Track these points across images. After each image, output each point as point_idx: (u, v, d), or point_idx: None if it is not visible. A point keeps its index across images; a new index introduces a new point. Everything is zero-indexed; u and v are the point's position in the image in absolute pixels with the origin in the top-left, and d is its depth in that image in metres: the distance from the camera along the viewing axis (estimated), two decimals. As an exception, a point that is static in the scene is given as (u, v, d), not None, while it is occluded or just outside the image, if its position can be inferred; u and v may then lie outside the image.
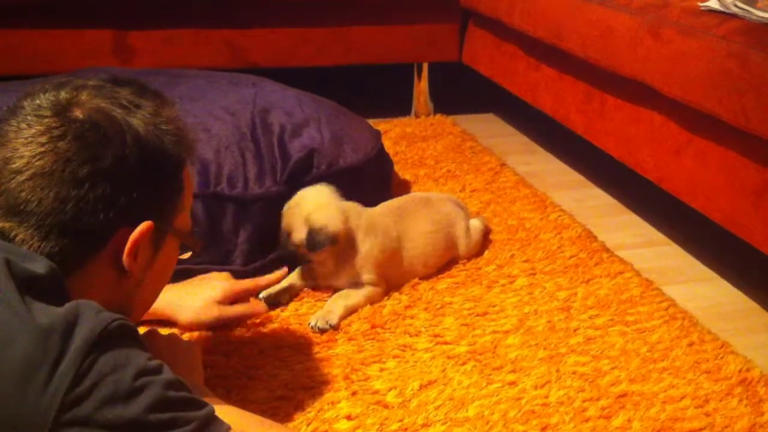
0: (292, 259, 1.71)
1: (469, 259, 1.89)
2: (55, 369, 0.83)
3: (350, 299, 1.66)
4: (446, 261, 1.86)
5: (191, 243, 1.18)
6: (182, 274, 1.66)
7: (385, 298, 1.72)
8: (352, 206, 1.72)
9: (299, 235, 1.65)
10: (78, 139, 0.97)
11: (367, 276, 1.69)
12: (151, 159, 1.02)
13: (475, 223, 1.93)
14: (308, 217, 1.65)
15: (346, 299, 1.66)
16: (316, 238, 1.63)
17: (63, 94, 1.01)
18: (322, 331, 1.58)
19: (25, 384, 0.82)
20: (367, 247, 1.69)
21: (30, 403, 0.82)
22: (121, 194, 0.99)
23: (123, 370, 0.86)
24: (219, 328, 1.56)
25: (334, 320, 1.60)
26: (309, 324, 1.60)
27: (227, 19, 2.70)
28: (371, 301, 1.69)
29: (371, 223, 1.72)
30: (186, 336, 1.54)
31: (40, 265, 0.92)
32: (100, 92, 1.02)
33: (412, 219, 1.82)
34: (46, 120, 0.98)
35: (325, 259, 1.68)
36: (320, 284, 1.74)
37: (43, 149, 0.96)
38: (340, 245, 1.67)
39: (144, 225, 1.02)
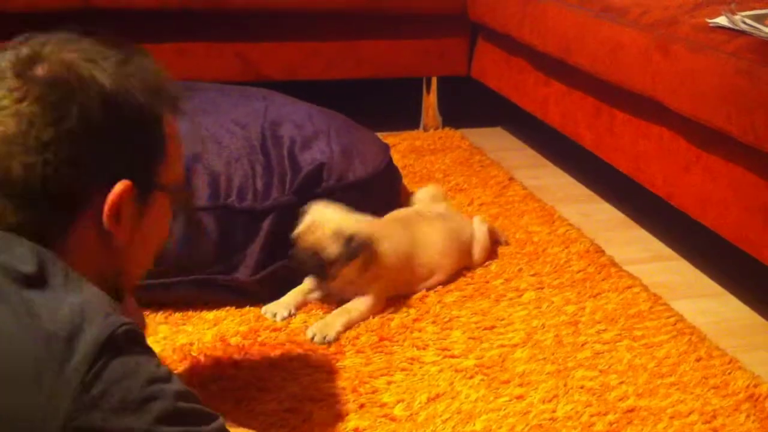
0: (319, 275, 1.70)
1: (477, 267, 1.89)
2: (62, 374, 0.81)
3: (352, 314, 1.67)
4: (459, 268, 1.88)
5: (182, 198, 1.13)
6: (193, 284, 1.68)
7: (393, 310, 1.72)
8: (363, 217, 1.74)
9: (332, 250, 1.65)
10: (39, 100, 0.91)
11: (375, 286, 1.71)
12: (120, 114, 0.96)
13: (481, 227, 1.95)
14: (337, 230, 1.65)
15: (348, 313, 1.67)
16: (352, 247, 1.64)
17: (24, 50, 0.95)
18: (320, 344, 1.59)
19: (34, 391, 0.81)
20: (385, 254, 1.72)
21: (39, 409, 0.80)
22: (90, 155, 0.94)
23: (133, 377, 0.84)
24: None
25: (331, 335, 1.61)
26: (307, 334, 1.61)
27: (239, 32, 2.72)
28: (372, 313, 1.70)
29: (384, 233, 1.75)
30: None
31: (27, 261, 0.87)
32: (65, 45, 0.97)
33: (419, 227, 1.84)
34: (7, 81, 0.92)
35: (353, 268, 1.69)
36: (333, 295, 1.75)
37: (4, 113, 0.91)
38: (367, 253, 1.68)
39: (121, 184, 0.96)
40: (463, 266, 1.90)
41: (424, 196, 1.99)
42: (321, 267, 1.67)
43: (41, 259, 0.88)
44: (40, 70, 0.93)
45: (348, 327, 1.65)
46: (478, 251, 1.92)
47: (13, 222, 0.91)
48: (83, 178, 0.94)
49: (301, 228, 1.69)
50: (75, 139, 0.92)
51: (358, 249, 1.66)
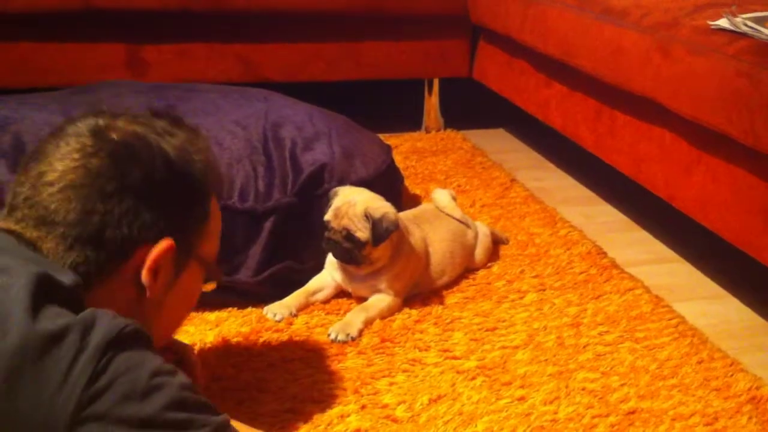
0: (351, 260, 1.70)
1: (479, 269, 1.90)
2: (73, 366, 0.85)
3: (371, 311, 1.68)
4: (463, 270, 1.89)
5: (214, 273, 1.20)
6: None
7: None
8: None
9: (363, 233, 1.66)
10: (109, 157, 1.02)
11: (396, 284, 1.72)
12: (178, 181, 1.07)
13: (483, 229, 1.97)
14: (366, 210, 1.66)
15: (366, 311, 1.67)
16: (381, 228, 1.65)
17: (101, 120, 1.06)
18: (343, 343, 1.59)
19: (42, 382, 0.84)
20: (413, 246, 1.74)
21: (47, 400, 0.83)
22: (146, 211, 1.02)
23: (139, 369, 0.89)
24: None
25: (354, 333, 1.61)
26: (329, 336, 1.61)
27: (240, 33, 2.72)
28: (392, 311, 1.71)
29: (408, 227, 1.78)
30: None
31: (67, 278, 0.94)
32: (136, 120, 1.08)
33: (430, 227, 1.85)
34: (83, 139, 1.03)
35: (385, 252, 1.70)
36: (353, 291, 1.76)
37: (75, 164, 1.01)
38: (396, 235, 1.70)
39: (165, 242, 1.04)
40: (466, 268, 1.90)
41: (444, 198, 1.97)
42: (353, 251, 1.67)
43: (77, 285, 0.96)
44: (113, 135, 1.04)
45: (368, 324, 1.65)
46: (480, 253, 1.93)
47: (61, 260, 0.99)
48: (135, 231, 1.02)
49: (332, 211, 1.70)
50: (135, 195, 1.02)
51: (386, 232, 1.66)
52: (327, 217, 1.70)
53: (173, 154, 1.06)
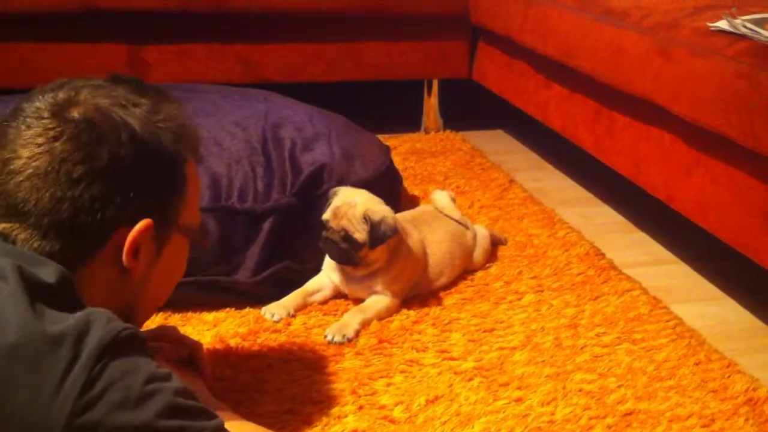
0: (349, 261, 1.69)
1: (477, 270, 1.90)
2: (67, 374, 0.84)
3: (368, 312, 1.68)
4: (461, 271, 1.88)
5: (197, 239, 1.17)
6: (194, 286, 1.68)
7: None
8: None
9: (361, 235, 1.65)
10: (73, 140, 0.98)
11: (394, 286, 1.72)
12: (148, 156, 1.02)
13: (482, 231, 1.97)
14: (366, 213, 1.66)
15: (363, 313, 1.67)
16: (379, 231, 1.65)
17: (61, 95, 1.02)
18: (340, 344, 1.59)
19: (36, 389, 0.83)
20: (411, 248, 1.74)
21: (41, 407, 0.83)
22: (117, 193, 0.99)
23: (133, 376, 0.87)
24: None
25: (350, 334, 1.61)
26: (325, 337, 1.61)
27: (240, 34, 2.73)
28: (390, 313, 1.71)
29: (406, 229, 1.78)
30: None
31: (50, 272, 0.92)
32: (98, 91, 1.03)
33: (429, 228, 1.85)
34: (44, 121, 0.99)
35: (382, 254, 1.70)
36: (351, 293, 1.76)
37: (39, 150, 0.97)
38: (394, 239, 1.70)
39: (142, 223, 1.02)
40: (464, 269, 1.90)
41: (443, 199, 1.96)
42: (350, 251, 1.67)
43: (63, 279, 0.93)
44: (75, 113, 1.00)
45: (365, 325, 1.65)
46: (478, 254, 1.93)
47: (37, 249, 0.97)
48: (108, 214, 0.99)
49: (330, 211, 1.70)
50: (104, 177, 0.98)
51: (383, 235, 1.66)
52: (326, 216, 1.70)
53: (140, 127, 1.02)
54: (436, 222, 1.89)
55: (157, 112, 1.05)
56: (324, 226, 1.69)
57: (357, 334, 1.62)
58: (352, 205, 1.68)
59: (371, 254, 1.69)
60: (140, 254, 1.04)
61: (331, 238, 1.68)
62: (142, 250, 1.04)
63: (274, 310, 1.69)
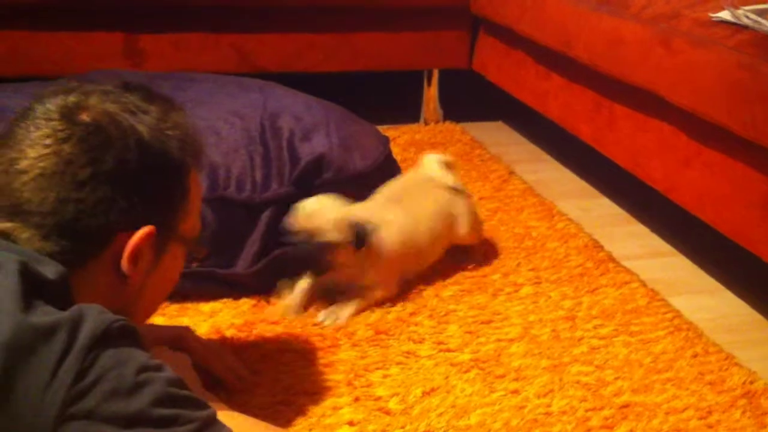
0: (316, 266, 1.66)
1: (474, 263, 1.89)
2: (60, 364, 0.84)
3: (363, 300, 1.67)
4: (449, 244, 1.85)
5: (196, 250, 1.18)
6: (188, 277, 1.67)
7: (390, 304, 1.71)
8: (359, 205, 1.72)
9: (334, 235, 1.60)
10: (81, 142, 0.99)
11: (375, 277, 1.70)
12: (154, 163, 1.04)
13: (463, 201, 1.88)
14: (347, 216, 1.62)
15: (358, 299, 1.67)
16: (362, 234, 1.62)
17: (71, 98, 1.03)
18: (331, 326, 1.59)
19: (30, 379, 0.83)
20: (386, 240, 1.69)
21: (35, 397, 0.83)
22: (122, 198, 1.00)
23: (125, 366, 0.87)
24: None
25: (342, 317, 1.61)
26: (317, 318, 1.61)
27: (235, 23, 2.70)
28: (384, 298, 1.70)
29: (382, 217, 1.72)
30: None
31: (51, 270, 0.93)
32: (108, 97, 1.04)
33: (415, 203, 1.80)
34: (53, 123, 1.00)
35: (353, 258, 1.64)
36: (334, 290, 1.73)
37: (47, 151, 0.98)
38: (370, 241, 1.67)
39: (144, 230, 1.03)
40: (451, 243, 1.86)
41: (433, 166, 1.86)
42: (317, 257, 1.63)
43: (63, 279, 0.94)
44: (84, 116, 1.01)
45: (358, 312, 1.65)
46: (464, 225, 1.85)
47: (38, 250, 0.97)
48: (111, 219, 1.00)
49: (297, 217, 1.65)
50: (109, 181, 0.99)
51: (365, 238, 1.62)
52: (291, 221, 1.63)
53: (147, 134, 1.03)
54: (422, 195, 1.82)
55: (165, 120, 1.06)
56: (289, 231, 1.63)
57: (349, 318, 1.62)
58: (321, 211, 1.63)
59: (340, 256, 1.63)
60: (139, 261, 1.04)
61: (297, 242, 1.62)
62: (142, 258, 1.04)
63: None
